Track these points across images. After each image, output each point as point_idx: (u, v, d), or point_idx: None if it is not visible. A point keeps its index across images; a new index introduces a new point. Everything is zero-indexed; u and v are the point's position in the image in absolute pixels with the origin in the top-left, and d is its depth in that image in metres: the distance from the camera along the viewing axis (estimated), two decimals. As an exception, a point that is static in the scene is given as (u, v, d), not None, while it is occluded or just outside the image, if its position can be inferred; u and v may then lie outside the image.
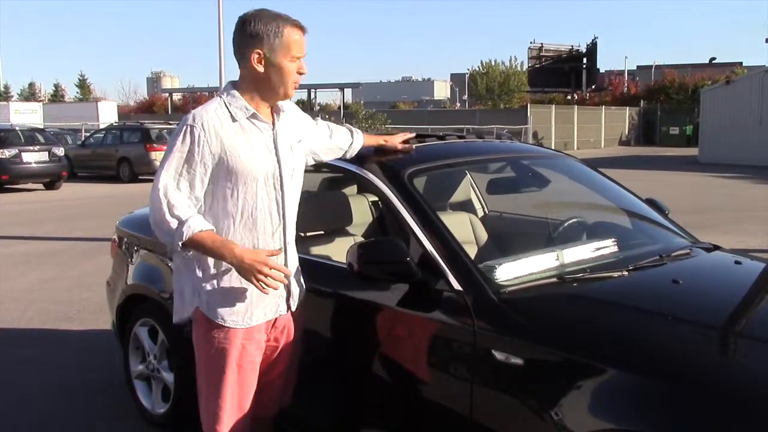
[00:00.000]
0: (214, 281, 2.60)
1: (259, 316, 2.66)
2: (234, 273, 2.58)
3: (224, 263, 2.56)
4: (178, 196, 2.50)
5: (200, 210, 2.57)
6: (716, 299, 2.88)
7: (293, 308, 2.78)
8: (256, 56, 2.52)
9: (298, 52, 2.55)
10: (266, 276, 2.48)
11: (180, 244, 2.47)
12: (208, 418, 2.71)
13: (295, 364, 2.91)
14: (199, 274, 2.62)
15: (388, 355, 2.94)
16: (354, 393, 3.15)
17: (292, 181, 2.70)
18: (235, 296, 2.60)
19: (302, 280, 2.87)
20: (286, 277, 2.67)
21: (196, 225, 2.47)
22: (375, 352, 2.97)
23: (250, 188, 2.56)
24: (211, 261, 2.60)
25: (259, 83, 2.58)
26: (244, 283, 2.58)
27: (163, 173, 2.50)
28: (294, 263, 2.77)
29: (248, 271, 2.48)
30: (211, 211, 2.58)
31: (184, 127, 2.52)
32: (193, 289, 2.65)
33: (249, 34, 2.52)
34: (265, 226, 2.61)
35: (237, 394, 2.66)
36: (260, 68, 2.54)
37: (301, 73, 2.59)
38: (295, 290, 2.78)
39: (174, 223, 2.47)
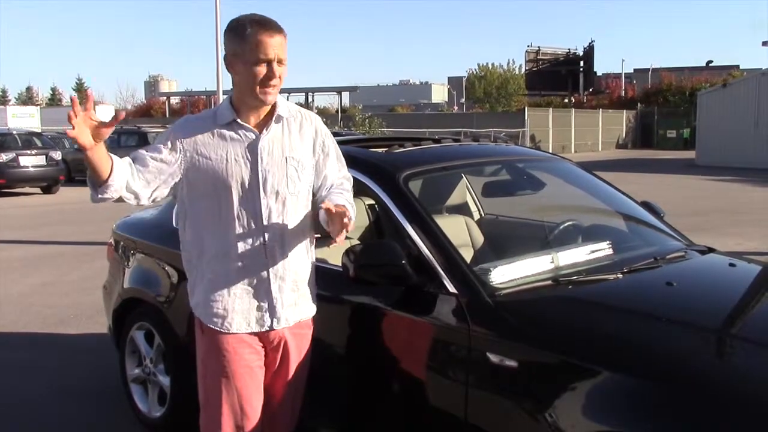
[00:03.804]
0: (200, 283, 2.63)
1: (240, 325, 2.59)
2: (214, 276, 2.58)
3: (204, 263, 2.60)
4: (142, 187, 2.51)
5: (180, 206, 2.66)
6: (710, 301, 2.90)
7: (279, 325, 2.62)
8: (227, 60, 2.52)
9: (264, 54, 2.43)
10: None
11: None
12: (207, 422, 2.67)
13: (301, 387, 2.82)
14: (190, 276, 2.68)
15: (383, 357, 2.94)
16: (349, 395, 3.16)
17: (281, 194, 2.57)
18: (214, 299, 2.59)
19: (305, 299, 2.72)
20: (269, 291, 2.58)
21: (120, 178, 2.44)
22: (370, 354, 2.98)
23: (222, 193, 2.53)
24: (195, 261, 2.63)
25: (236, 87, 2.56)
26: (224, 287, 2.58)
27: (141, 150, 2.57)
28: (285, 277, 2.62)
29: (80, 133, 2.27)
30: (192, 210, 2.61)
31: (171, 129, 2.61)
32: (189, 290, 2.70)
33: (226, 38, 2.51)
34: (242, 234, 2.55)
35: (237, 401, 2.60)
36: (232, 72, 2.53)
37: (269, 77, 2.45)
38: (282, 305, 2.62)
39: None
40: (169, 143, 2.54)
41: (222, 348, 2.60)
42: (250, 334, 2.61)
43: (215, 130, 2.56)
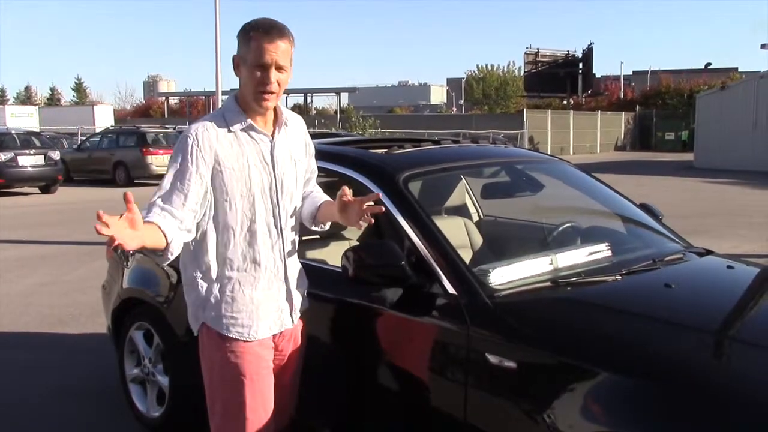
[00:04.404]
0: (218, 294, 2.56)
1: (264, 331, 2.60)
2: (237, 285, 2.55)
3: (226, 275, 2.54)
4: (182, 212, 2.41)
5: (203, 220, 2.52)
6: (708, 303, 2.91)
7: (295, 321, 2.73)
8: (234, 62, 2.51)
9: (261, 59, 2.41)
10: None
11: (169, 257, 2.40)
12: (227, 426, 2.62)
13: (299, 375, 2.87)
14: (203, 288, 2.58)
15: (382, 358, 2.95)
16: (348, 396, 3.16)
17: (292, 196, 2.64)
18: (237, 311, 2.56)
19: (305, 293, 2.80)
20: (289, 292, 2.65)
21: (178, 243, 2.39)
22: (369, 355, 2.98)
23: (246, 201, 2.51)
24: (214, 274, 2.56)
25: (241, 90, 2.54)
26: (247, 296, 2.56)
27: (157, 191, 2.44)
28: (295, 276, 2.70)
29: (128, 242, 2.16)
30: (215, 222, 2.53)
31: (181, 141, 2.49)
32: (199, 304, 2.60)
33: (237, 41, 2.50)
34: (264, 239, 2.56)
35: (259, 401, 2.59)
36: (237, 75, 2.51)
37: (264, 83, 2.43)
38: (297, 302, 2.72)
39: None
40: (195, 166, 2.43)
41: (246, 354, 2.56)
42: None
43: (232, 136, 2.51)
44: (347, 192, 2.54)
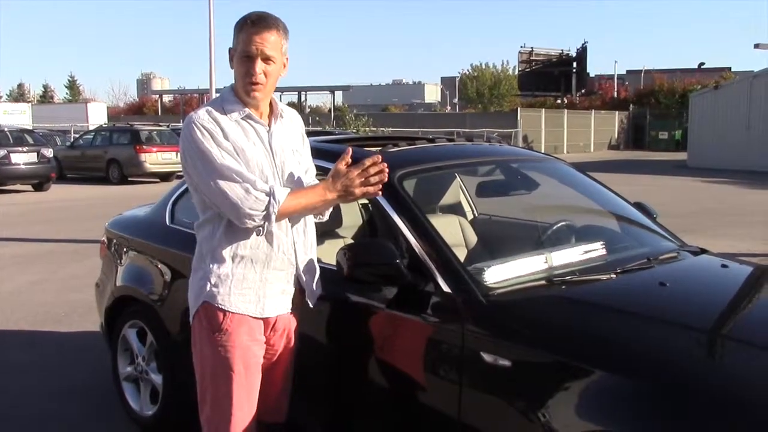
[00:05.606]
0: (228, 271, 2.55)
1: (271, 309, 2.62)
2: (248, 261, 2.56)
3: (239, 253, 2.54)
4: (249, 174, 2.46)
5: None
6: (702, 302, 2.91)
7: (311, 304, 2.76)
8: (229, 54, 2.55)
9: (246, 50, 2.45)
10: (362, 178, 2.51)
11: (275, 213, 2.45)
12: (215, 426, 2.63)
13: (291, 372, 2.87)
14: (212, 265, 2.56)
15: (376, 357, 2.94)
16: (342, 394, 3.16)
17: (295, 185, 2.62)
18: (249, 285, 2.57)
19: (316, 286, 2.82)
20: (300, 277, 2.69)
21: (281, 193, 2.48)
22: (364, 354, 2.98)
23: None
24: (226, 252, 2.55)
25: (235, 83, 2.57)
26: (258, 274, 2.57)
27: (217, 166, 2.43)
28: (304, 263, 2.72)
29: (349, 192, 2.52)
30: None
31: (195, 128, 2.47)
32: (203, 283, 2.58)
33: (233, 33, 2.54)
34: (278, 223, 2.57)
35: (246, 398, 2.60)
36: (231, 67, 2.55)
37: (249, 73, 2.47)
38: (307, 289, 2.75)
39: (263, 197, 2.44)
40: (226, 145, 2.47)
41: (238, 345, 2.57)
42: (256, 318, 2.63)
43: (234, 123, 2.52)
44: (348, 155, 2.56)
